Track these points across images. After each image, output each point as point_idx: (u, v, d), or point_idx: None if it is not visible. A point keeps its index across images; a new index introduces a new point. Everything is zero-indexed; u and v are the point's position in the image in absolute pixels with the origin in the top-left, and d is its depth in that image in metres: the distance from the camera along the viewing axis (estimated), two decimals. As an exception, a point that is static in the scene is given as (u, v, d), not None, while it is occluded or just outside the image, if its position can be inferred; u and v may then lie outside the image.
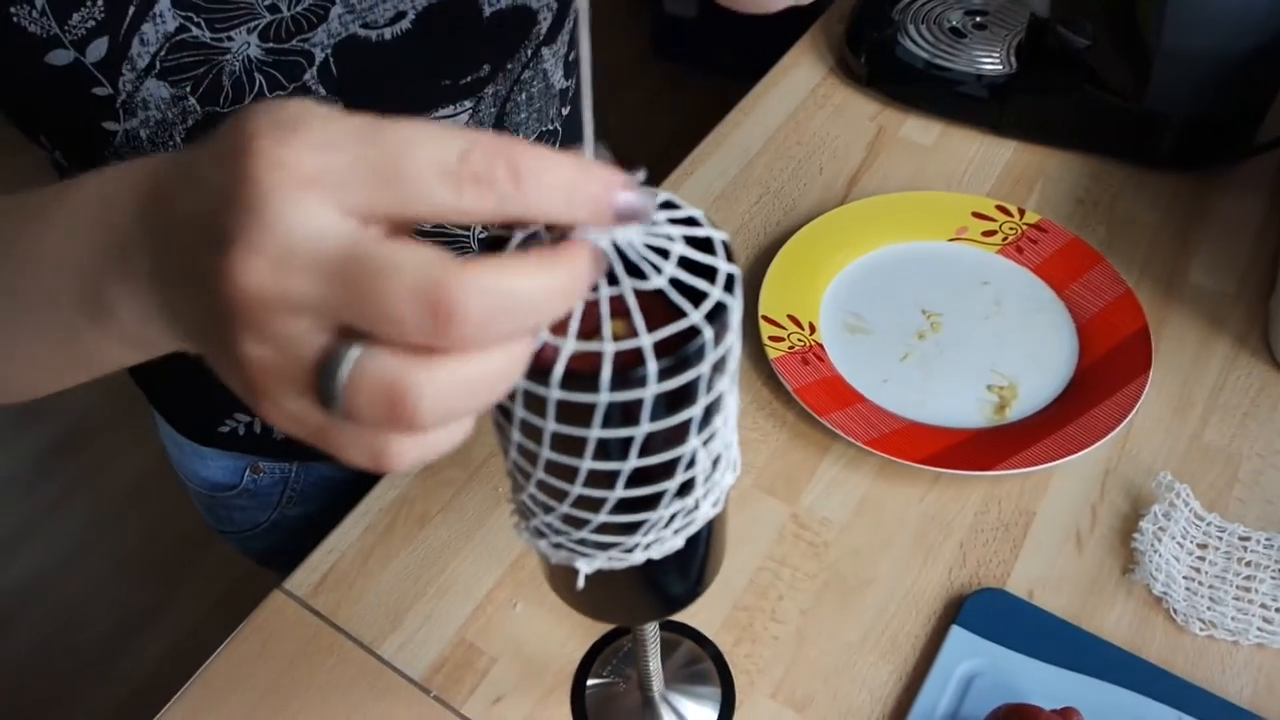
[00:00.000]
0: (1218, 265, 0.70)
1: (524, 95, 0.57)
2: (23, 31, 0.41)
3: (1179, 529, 0.55)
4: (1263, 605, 0.53)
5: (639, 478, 0.28)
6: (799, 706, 0.51)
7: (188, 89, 0.45)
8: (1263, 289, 0.68)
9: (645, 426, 0.26)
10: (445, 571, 0.57)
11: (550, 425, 0.26)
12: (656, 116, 2.18)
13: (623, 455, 0.27)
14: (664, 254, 0.26)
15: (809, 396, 0.61)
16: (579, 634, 0.54)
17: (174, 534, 1.61)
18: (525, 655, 0.54)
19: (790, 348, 0.64)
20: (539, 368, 0.25)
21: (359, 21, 0.47)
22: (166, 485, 1.25)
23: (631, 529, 0.30)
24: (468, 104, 0.54)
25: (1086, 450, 0.58)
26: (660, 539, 0.31)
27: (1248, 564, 0.54)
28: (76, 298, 0.30)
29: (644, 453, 0.27)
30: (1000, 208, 0.72)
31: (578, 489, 0.28)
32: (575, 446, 0.27)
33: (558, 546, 0.32)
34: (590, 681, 0.52)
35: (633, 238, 0.26)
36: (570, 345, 0.25)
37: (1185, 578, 0.54)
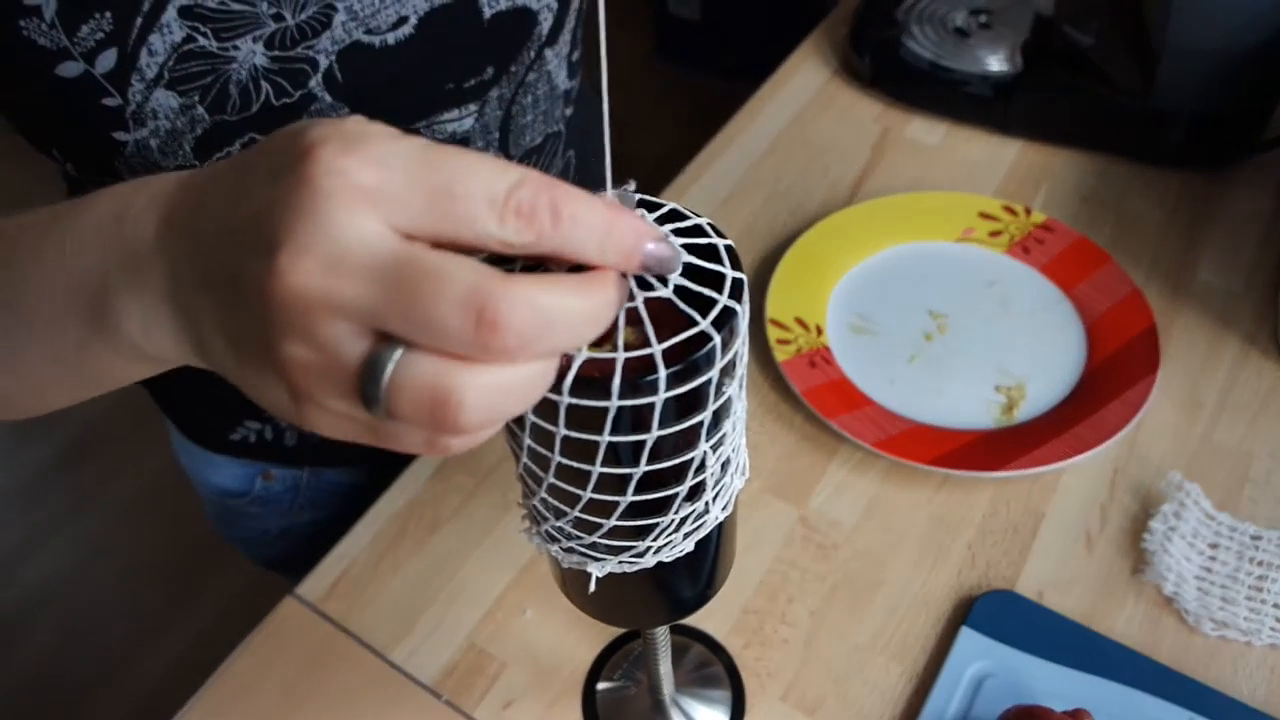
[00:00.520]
0: (1226, 263, 0.69)
1: (529, 98, 0.57)
2: (32, 44, 0.42)
3: (1190, 529, 0.55)
4: (1275, 605, 0.52)
5: (649, 482, 0.28)
6: (810, 709, 0.51)
7: (196, 98, 0.46)
8: (1271, 286, 0.68)
9: (655, 431, 0.27)
10: (455, 577, 0.57)
11: (561, 430, 0.26)
12: (660, 119, 2.18)
13: (633, 460, 0.27)
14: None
15: (816, 399, 0.61)
16: (589, 638, 0.54)
17: (184, 541, 1.61)
18: (536, 660, 0.54)
19: (797, 350, 0.64)
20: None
21: (362, 28, 0.47)
22: (177, 493, 1.26)
23: (642, 533, 0.30)
24: (473, 107, 0.54)
25: (1095, 450, 0.58)
26: (671, 542, 0.31)
27: (1260, 563, 0.54)
28: (82, 310, 0.30)
29: (654, 457, 0.27)
30: (1007, 208, 0.72)
31: (589, 493, 0.28)
32: (586, 451, 0.27)
33: (569, 551, 0.32)
34: (601, 685, 0.53)
35: None
36: (583, 353, 0.26)
37: (1196, 578, 0.54)
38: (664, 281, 0.27)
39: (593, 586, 0.32)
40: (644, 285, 0.27)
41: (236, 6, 0.44)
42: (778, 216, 0.75)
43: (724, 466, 0.30)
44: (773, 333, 0.65)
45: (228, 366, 0.27)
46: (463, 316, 0.22)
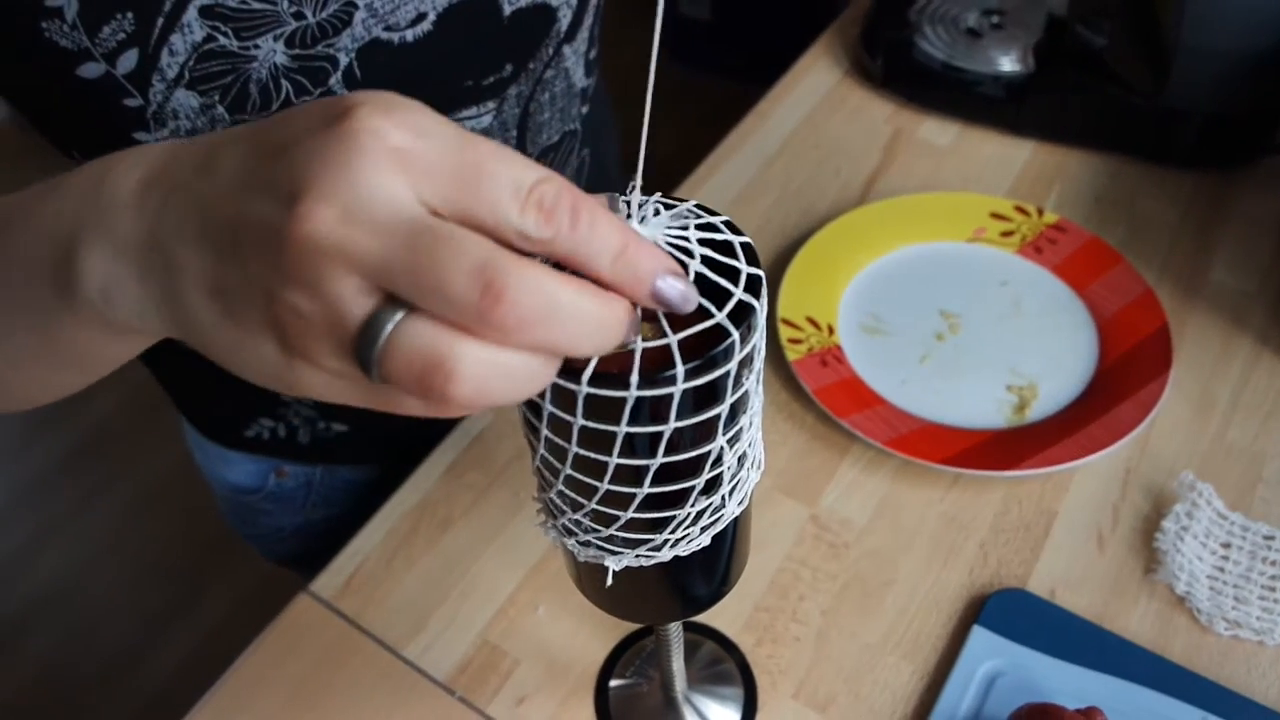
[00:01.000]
0: (1239, 263, 0.69)
1: (546, 95, 0.57)
2: (54, 46, 0.42)
3: (1202, 528, 0.55)
4: (1288, 604, 0.52)
5: (666, 474, 0.28)
6: (821, 707, 0.52)
7: (216, 98, 0.46)
8: (1284, 287, 0.68)
9: (673, 423, 0.27)
10: (468, 574, 0.57)
11: (579, 421, 0.27)
12: (670, 119, 2.18)
13: (650, 452, 0.27)
14: (690, 257, 0.27)
15: (828, 398, 0.61)
16: (601, 636, 0.54)
17: (195, 538, 1.62)
18: (548, 657, 0.54)
19: (809, 350, 0.64)
20: (569, 366, 0.26)
21: (381, 25, 0.48)
22: (185, 491, 1.27)
23: (659, 526, 0.30)
24: (491, 104, 0.54)
25: (1107, 450, 0.58)
26: (688, 536, 0.31)
27: (1273, 563, 0.54)
28: (50, 273, 0.30)
29: (671, 449, 0.28)
30: (1019, 208, 0.72)
31: (606, 485, 0.29)
32: (604, 442, 0.27)
33: (586, 544, 0.32)
34: (613, 682, 0.53)
35: (661, 244, 0.27)
36: None
37: (1209, 577, 0.54)
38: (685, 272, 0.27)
39: (609, 580, 0.32)
40: None
41: (257, 5, 0.44)
42: (789, 217, 0.75)
43: (740, 461, 0.31)
44: (784, 332, 0.65)
45: (203, 327, 0.27)
46: (470, 283, 0.22)
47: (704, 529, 0.31)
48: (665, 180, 0.79)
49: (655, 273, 0.25)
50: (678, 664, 0.48)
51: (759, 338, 0.28)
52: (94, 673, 1.53)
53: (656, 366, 0.26)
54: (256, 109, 0.47)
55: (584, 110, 0.63)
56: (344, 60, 0.48)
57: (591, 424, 0.27)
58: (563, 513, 0.31)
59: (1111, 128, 0.76)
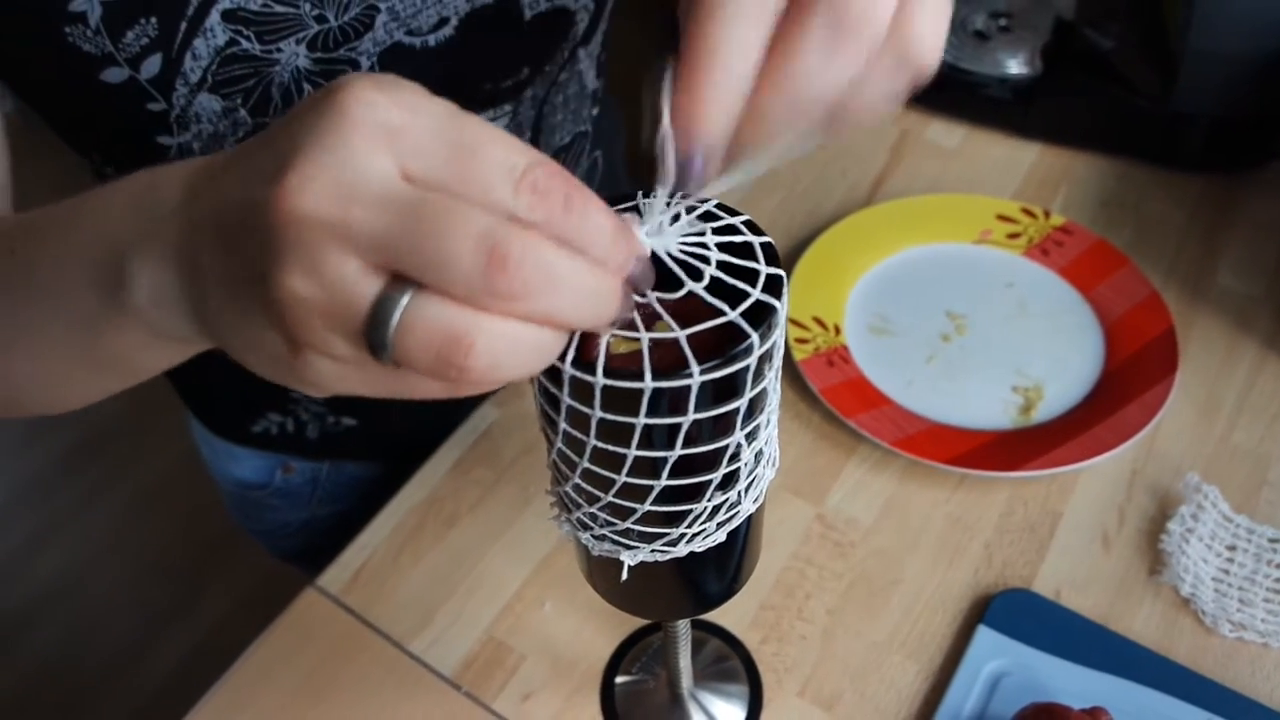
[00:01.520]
0: (1245, 267, 0.70)
1: (560, 97, 0.57)
2: (78, 51, 0.42)
3: (1207, 530, 0.55)
4: (1293, 606, 0.53)
5: (683, 467, 0.29)
6: (826, 705, 0.52)
7: (238, 101, 0.46)
8: (1290, 291, 0.68)
9: (691, 415, 0.27)
10: (475, 570, 0.57)
11: (598, 413, 0.27)
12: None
13: (668, 444, 0.28)
14: (706, 264, 0.28)
15: (834, 398, 0.61)
16: (608, 632, 0.54)
17: (198, 534, 1.62)
18: (554, 653, 0.54)
19: (816, 349, 0.65)
20: (587, 357, 0.26)
21: (403, 29, 0.48)
22: (191, 485, 1.26)
23: (675, 520, 0.31)
24: (508, 107, 0.54)
25: (1113, 452, 0.58)
26: (704, 531, 0.31)
27: (1278, 565, 0.54)
28: (98, 279, 0.30)
29: (689, 442, 0.28)
30: (1025, 210, 0.72)
31: (623, 478, 0.29)
32: (622, 434, 0.27)
33: (600, 539, 0.32)
34: (619, 679, 0.53)
35: (670, 245, 0.28)
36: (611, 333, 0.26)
37: (1214, 579, 0.54)
38: (699, 276, 0.27)
39: (624, 575, 0.32)
40: (692, 276, 0.27)
41: (280, 9, 0.44)
42: (795, 217, 0.75)
43: (758, 457, 0.31)
44: (791, 332, 0.65)
45: (222, 326, 0.27)
46: (475, 251, 0.22)
47: (720, 525, 0.32)
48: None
49: (631, 260, 0.25)
50: (685, 661, 0.48)
51: (779, 335, 0.28)
52: (95, 671, 1.53)
53: (677, 363, 0.26)
54: (278, 112, 0.47)
55: (594, 112, 0.63)
56: (365, 64, 0.48)
57: (610, 416, 0.27)
58: (578, 506, 0.32)
59: (1118, 131, 0.76)
